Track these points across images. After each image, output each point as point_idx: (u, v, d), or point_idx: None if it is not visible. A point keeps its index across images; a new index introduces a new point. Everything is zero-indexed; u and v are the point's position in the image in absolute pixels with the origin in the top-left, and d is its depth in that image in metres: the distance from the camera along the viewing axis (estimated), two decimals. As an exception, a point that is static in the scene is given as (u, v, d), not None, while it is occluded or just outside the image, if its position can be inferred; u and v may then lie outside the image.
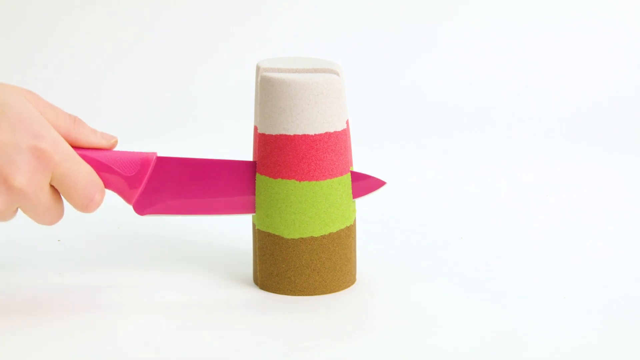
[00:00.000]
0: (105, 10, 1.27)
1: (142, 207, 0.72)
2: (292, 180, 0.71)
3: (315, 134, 0.71)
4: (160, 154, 0.72)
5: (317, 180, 0.71)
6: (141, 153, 0.71)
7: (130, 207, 0.72)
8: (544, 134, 1.16)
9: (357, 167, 0.78)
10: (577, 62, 1.25)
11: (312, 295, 0.73)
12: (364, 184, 0.74)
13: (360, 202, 0.75)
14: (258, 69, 0.72)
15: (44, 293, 0.73)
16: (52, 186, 0.67)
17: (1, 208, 0.65)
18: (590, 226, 0.88)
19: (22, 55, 1.24)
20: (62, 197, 0.68)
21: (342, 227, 0.73)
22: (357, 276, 0.76)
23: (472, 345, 0.66)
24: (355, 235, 0.75)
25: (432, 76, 1.24)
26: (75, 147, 0.69)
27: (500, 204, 0.94)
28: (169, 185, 0.72)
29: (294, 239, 0.72)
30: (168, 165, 0.72)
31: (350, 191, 0.73)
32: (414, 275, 0.77)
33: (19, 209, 0.67)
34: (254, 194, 0.72)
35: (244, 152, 0.95)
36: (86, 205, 0.68)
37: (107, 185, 0.70)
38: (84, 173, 0.67)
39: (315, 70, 0.72)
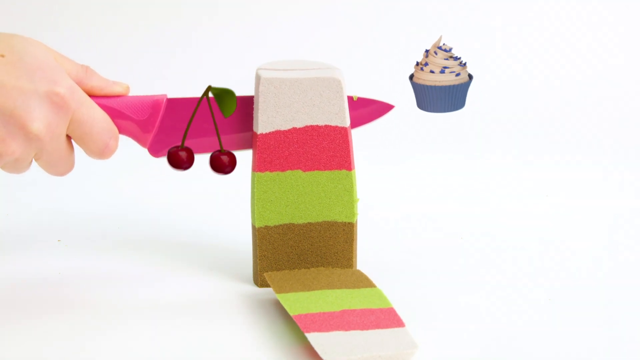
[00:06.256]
0: (106, 11, 1.27)
1: (157, 149, 0.72)
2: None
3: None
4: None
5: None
6: (151, 96, 0.71)
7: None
8: (543, 134, 1.16)
9: (357, 167, 0.78)
10: (577, 63, 1.25)
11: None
12: (370, 110, 0.74)
13: (361, 202, 0.75)
14: (258, 77, 0.72)
15: (43, 292, 0.73)
16: (66, 135, 0.67)
17: (18, 155, 0.65)
18: (589, 226, 0.88)
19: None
20: (75, 146, 0.68)
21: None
22: (357, 276, 0.76)
23: (471, 344, 0.66)
24: (355, 235, 0.75)
25: (432, 76, 1.24)
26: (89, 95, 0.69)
27: (499, 203, 0.94)
28: (181, 126, 0.72)
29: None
30: (179, 106, 0.72)
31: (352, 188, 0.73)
32: (414, 275, 0.77)
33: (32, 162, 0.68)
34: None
35: (243, 152, 0.95)
36: (102, 151, 0.68)
37: (121, 130, 0.70)
38: (99, 119, 0.68)
39: (317, 70, 0.73)
